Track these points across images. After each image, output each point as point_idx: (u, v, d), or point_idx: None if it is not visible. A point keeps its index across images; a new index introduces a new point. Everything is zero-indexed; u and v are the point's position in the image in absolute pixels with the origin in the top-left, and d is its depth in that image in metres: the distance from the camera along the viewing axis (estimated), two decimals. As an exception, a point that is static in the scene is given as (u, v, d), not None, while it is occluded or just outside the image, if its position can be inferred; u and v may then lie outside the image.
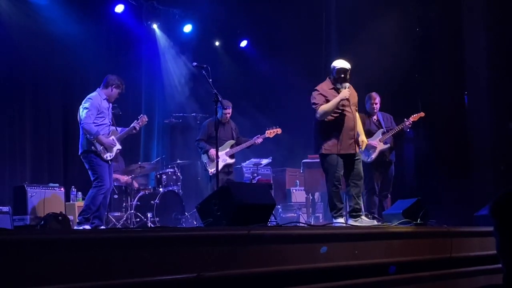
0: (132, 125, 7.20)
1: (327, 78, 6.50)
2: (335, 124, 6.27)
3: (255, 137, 8.32)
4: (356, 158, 6.35)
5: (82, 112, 6.71)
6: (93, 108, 6.71)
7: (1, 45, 8.94)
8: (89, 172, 6.84)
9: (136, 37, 10.94)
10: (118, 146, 6.94)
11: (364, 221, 6.17)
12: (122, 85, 6.96)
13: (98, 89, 6.97)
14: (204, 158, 8.18)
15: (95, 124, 6.74)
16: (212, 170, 7.91)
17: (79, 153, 6.86)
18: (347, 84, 6.34)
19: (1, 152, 9.03)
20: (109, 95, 6.91)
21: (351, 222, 6.14)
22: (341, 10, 11.15)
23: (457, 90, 9.69)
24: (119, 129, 7.17)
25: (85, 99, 6.83)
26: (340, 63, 6.39)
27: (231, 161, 8.22)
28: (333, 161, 6.23)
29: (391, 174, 7.88)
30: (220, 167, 7.84)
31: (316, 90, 6.40)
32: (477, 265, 5.21)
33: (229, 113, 8.25)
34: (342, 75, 6.32)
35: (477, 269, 5.19)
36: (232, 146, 8.26)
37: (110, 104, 7.00)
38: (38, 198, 7.89)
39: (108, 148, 6.75)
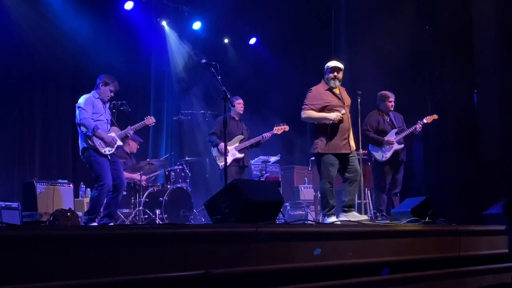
0: (139, 123, 7.28)
1: (322, 80, 6.60)
2: (331, 125, 6.34)
3: (263, 134, 8.34)
4: (351, 155, 6.45)
5: (77, 111, 6.68)
6: (87, 104, 6.66)
7: (11, 42, 9.00)
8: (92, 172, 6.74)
9: (145, 34, 10.97)
10: (119, 143, 6.89)
11: (355, 215, 6.23)
12: (111, 82, 6.84)
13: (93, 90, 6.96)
14: (214, 151, 8.21)
15: (92, 120, 6.66)
16: (222, 164, 7.97)
17: (80, 155, 6.75)
18: (338, 83, 6.47)
19: (11, 148, 9.09)
20: (100, 94, 6.83)
21: (342, 216, 6.22)
22: (350, 8, 11.12)
23: (467, 89, 9.63)
24: (132, 131, 7.19)
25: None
26: (333, 63, 6.53)
27: (240, 155, 8.21)
28: (329, 160, 6.34)
29: (401, 173, 7.87)
30: (229, 161, 7.90)
31: (310, 91, 6.54)
32: (486, 264, 5.20)
33: (241, 104, 8.37)
34: (335, 73, 6.45)
35: (485, 268, 5.17)
36: (241, 141, 8.27)
37: (106, 105, 6.92)
38: (47, 194, 7.94)
39: (107, 143, 6.68)
